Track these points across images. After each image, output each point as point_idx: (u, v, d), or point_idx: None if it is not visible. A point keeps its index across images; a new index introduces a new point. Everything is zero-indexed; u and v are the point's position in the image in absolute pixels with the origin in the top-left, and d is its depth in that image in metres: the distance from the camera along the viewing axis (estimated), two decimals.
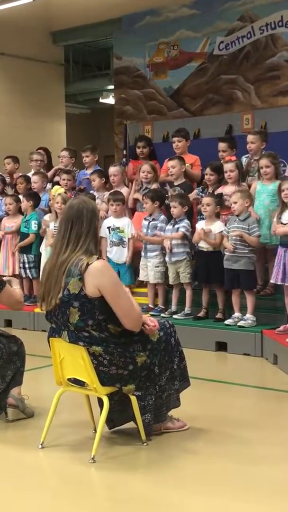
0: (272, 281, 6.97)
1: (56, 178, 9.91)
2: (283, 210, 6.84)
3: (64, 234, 4.19)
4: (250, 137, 8.17)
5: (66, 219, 4.23)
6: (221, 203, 7.62)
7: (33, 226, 9.13)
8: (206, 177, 8.14)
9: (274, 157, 7.64)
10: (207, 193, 8.06)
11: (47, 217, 9.06)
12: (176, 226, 7.85)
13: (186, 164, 8.58)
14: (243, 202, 7.19)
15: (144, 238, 8.16)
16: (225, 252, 7.33)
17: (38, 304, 4.34)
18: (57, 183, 9.48)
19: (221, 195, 7.73)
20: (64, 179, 9.37)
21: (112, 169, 9.05)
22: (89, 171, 9.57)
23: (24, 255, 9.21)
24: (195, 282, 7.95)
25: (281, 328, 6.83)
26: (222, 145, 8.47)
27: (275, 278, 6.81)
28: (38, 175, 9.82)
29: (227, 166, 7.81)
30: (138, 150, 9.42)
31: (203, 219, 7.80)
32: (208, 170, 8.11)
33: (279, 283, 6.83)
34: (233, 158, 7.91)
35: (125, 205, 8.71)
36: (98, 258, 4.12)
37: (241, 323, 7.17)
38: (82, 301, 4.06)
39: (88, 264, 4.05)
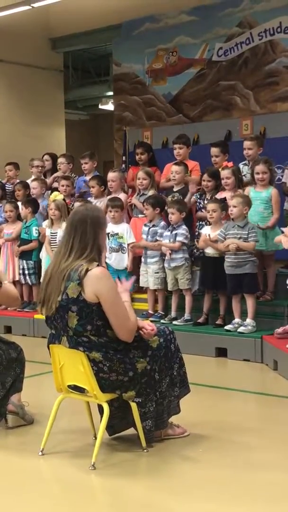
0: None
1: (55, 185, 9.93)
2: None
3: (68, 240, 4.21)
4: (247, 143, 8.15)
5: (69, 225, 4.26)
6: (225, 208, 7.61)
7: (34, 232, 9.14)
8: (203, 183, 8.13)
9: (270, 164, 7.64)
10: (205, 199, 8.06)
11: (44, 223, 9.08)
12: (174, 232, 7.85)
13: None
14: (242, 207, 7.19)
15: (144, 244, 8.16)
16: (226, 258, 7.32)
17: (38, 309, 4.36)
18: (56, 190, 9.49)
19: (224, 199, 7.72)
20: (63, 185, 9.38)
21: (111, 175, 9.04)
22: (88, 178, 9.57)
23: (24, 261, 9.22)
24: (195, 288, 7.95)
25: (280, 330, 6.81)
26: (214, 150, 8.45)
27: None
28: (37, 181, 9.83)
29: (224, 173, 7.80)
30: (137, 157, 9.42)
31: (203, 225, 7.81)
32: (205, 177, 8.10)
33: None
34: (230, 164, 7.90)
35: (124, 211, 8.72)
36: (98, 265, 4.12)
37: (241, 329, 7.17)
38: (80, 306, 4.07)
39: (87, 270, 4.06)
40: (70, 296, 4.07)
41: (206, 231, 7.63)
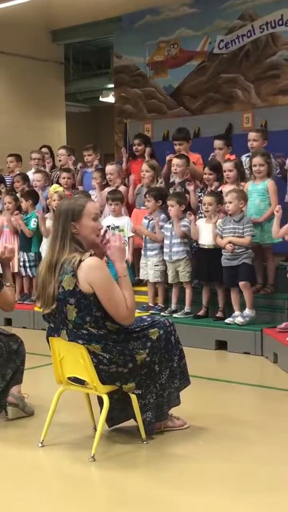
0: None
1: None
2: None
3: (54, 233, 4.24)
4: (252, 135, 8.05)
5: (59, 220, 4.24)
6: (221, 201, 7.61)
7: (32, 223, 9.13)
8: (204, 176, 8.11)
9: (268, 156, 7.61)
10: (206, 192, 8.04)
11: (47, 215, 9.06)
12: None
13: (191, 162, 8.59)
14: (237, 203, 7.18)
15: (144, 233, 8.14)
16: (223, 252, 7.32)
17: (38, 305, 4.34)
18: (57, 182, 9.48)
19: (220, 192, 7.71)
20: (64, 178, 9.37)
21: (109, 168, 9.05)
22: (91, 170, 9.57)
23: (25, 253, 9.21)
24: (195, 281, 7.94)
25: (283, 325, 6.82)
26: (218, 143, 8.39)
27: None
28: (40, 173, 9.81)
29: (226, 166, 7.77)
30: (134, 147, 9.46)
31: (201, 217, 7.81)
32: (206, 170, 8.06)
33: None
34: (232, 157, 7.87)
35: (124, 204, 8.71)
36: (91, 255, 4.12)
37: (237, 320, 7.14)
38: (78, 297, 4.06)
39: (80, 261, 4.06)
40: (67, 289, 4.06)
41: (200, 224, 7.63)
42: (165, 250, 7.92)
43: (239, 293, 7.29)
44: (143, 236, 8.22)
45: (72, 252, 4.13)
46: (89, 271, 4.05)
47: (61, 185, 9.21)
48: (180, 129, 9.03)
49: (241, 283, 7.16)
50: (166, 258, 7.92)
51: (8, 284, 4.93)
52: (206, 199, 7.60)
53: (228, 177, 7.74)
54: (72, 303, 4.08)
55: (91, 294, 4.07)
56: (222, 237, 7.30)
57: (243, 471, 3.90)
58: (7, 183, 10.35)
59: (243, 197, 7.25)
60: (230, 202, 7.20)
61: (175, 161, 8.36)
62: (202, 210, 7.79)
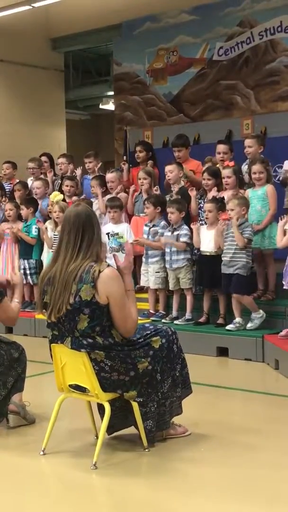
0: (285, 287, 6.85)
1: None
2: None
3: (75, 242, 4.14)
4: (247, 141, 8.17)
5: (76, 227, 4.16)
6: (222, 208, 7.61)
7: (34, 231, 9.14)
8: (203, 182, 8.12)
9: (267, 163, 7.64)
10: (205, 198, 8.05)
11: (47, 223, 9.07)
12: (176, 233, 7.84)
13: (190, 170, 8.59)
14: (239, 209, 7.20)
15: (145, 243, 8.16)
16: (222, 257, 7.33)
17: (46, 314, 4.24)
18: (59, 189, 9.50)
19: (222, 199, 7.72)
20: (67, 186, 9.39)
21: (109, 176, 9.07)
22: (91, 177, 9.58)
23: (26, 261, 9.21)
24: (196, 288, 7.94)
25: (283, 332, 6.82)
26: (222, 147, 8.41)
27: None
28: (40, 181, 9.82)
29: (225, 172, 7.80)
30: (135, 155, 9.47)
31: (202, 224, 7.82)
32: (205, 175, 8.08)
33: None
34: (231, 163, 7.89)
35: (123, 211, 8.72)
36: (108, 266, 4.12)
37: (248, 326, 7.17)
38: (93, 308, 4.06)
39: (100, 272, 4.04)
40: (84, 299, 4.04)
41: (202, 231, 7.64)
42: (166, 258, 7.93)
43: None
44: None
45: (87, 260, 4.11)
46: (108, 282, 4.05)
47: (62, 193, 9.22)
48: (179, 136, 9.07)
49: (233, 295, 7.21)
50: (167, 265, 7.92)
51: (17, 301, 4.91)
52: (207, 206, 7.62)
53: (227, 184, 7.77)
54: (86, 313, 4.07)
55: (105, 305, 4.07)
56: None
57: (245, 478, 3.90)
58: (7, 190, 10.36)
59: (244, 203, 7.26)
60: (232, 209, 7.21)
61: (167, 168, 8.41)
62: (202, 217, 7.80)
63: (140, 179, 8.71)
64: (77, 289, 4.05)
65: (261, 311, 7.24)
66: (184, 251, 7.80)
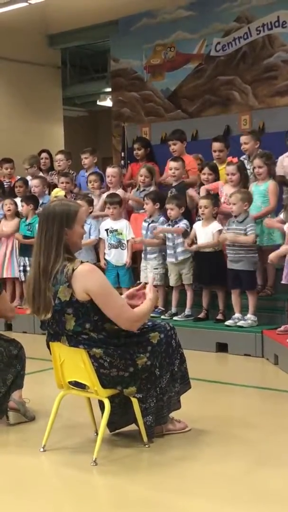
0: (283, 281, 6.82)
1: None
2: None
3: (45, 244, 4.11)
4: (242, 138, 8.24)
5: (41, 228, 4.18)
6: (217, 204, 7.61)
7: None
8: (203, 176, 8.11)
9: (268, 157, 7.63)
10: (201, 195, 8.04)
11: None
12: (175, 226, 7.85)
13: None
14: (242, 204, 7.19)
15: (145, 242, 8.15)
16: (227, 253, 7.33)
17: (28, 311, 4.28)
18: (56, 186, 9.48)
19: (217, 195, 7.72)
20: (62, 182, 9.37)
21: (110, 170, 9.03)
22: (87, 173, 9.56)
23: (25, 258, 9.19)
24: (195, 284, 7.94)
25: (282, 328, 6.83)
26: (217, 145, 8.37)
27: (286, 278, 6.74)
28: (38, 179, 9.80)
29: (229, 169, 7.77)
30: (134, 152, 9.46)
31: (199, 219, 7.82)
32: (206, 170, 8.08)
33: None
34: (235, 160, 7.88)
35: (123, 208, 8.71)
36: (82, 262, 4.09)
37: (240, 323, 7.17)
38: (75, 306, 4.04)
39: (73, 270, 4.02)
40: (63, 300, 4.03)
41: (197, 228, 7.63)
42: (169, 252, 7.90)
43: (240, 296, 7.30)
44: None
45: (64, 260, 4.07)
46: (83, 278, 4.02)
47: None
48: (175, 130, 9.05)
49: (248, 292, 7.23)
50: (171, 260, 7.88)
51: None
52: (202, 201, 7.60)
53: (231, 180, 7.72)
54: (70, 313, 4.06)
55: (88, 301, 4.05)
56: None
57: (245, 474, 3.90)
58: (5, 187, 10.34)
59: (247, 198, 7.25)
60: (234, 204, 7.20)
61: (172, 164, 8.36)
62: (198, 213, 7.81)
63: (141, 175, 8.68)
64: (54, 291, 4.04)
65: (256, 317, 7.21)
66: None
